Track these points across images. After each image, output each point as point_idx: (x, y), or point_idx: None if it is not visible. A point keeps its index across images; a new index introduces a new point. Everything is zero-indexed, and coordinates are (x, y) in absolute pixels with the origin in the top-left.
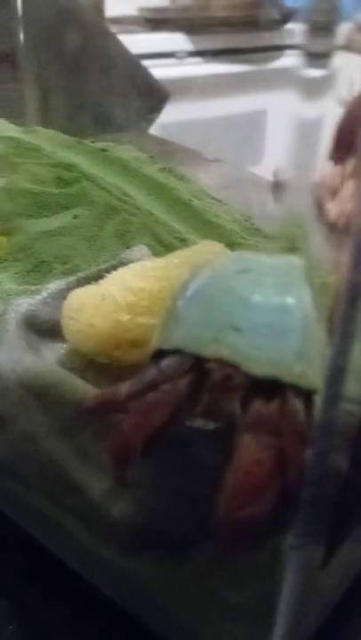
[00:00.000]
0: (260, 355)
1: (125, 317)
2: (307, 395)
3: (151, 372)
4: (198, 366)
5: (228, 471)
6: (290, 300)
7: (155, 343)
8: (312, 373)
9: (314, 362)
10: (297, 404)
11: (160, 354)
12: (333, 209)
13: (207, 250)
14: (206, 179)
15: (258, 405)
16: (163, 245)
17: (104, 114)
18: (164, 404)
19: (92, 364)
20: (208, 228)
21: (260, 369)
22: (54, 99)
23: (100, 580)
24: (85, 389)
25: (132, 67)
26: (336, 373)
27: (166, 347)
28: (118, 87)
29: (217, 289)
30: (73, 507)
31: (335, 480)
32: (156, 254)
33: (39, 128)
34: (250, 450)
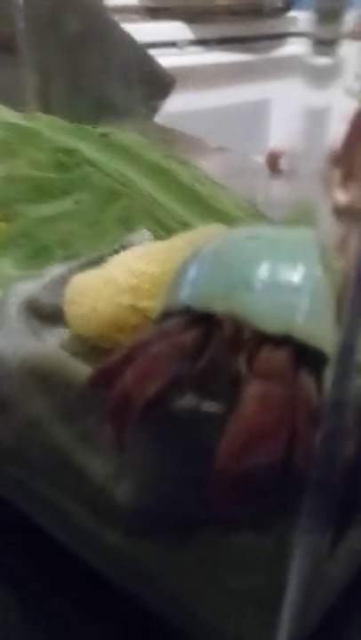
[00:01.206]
0: (271, 312)
1: (128, 301)
2: (316, 357)
3: (152, 331)
4: (205, 323)
5: (230, 420)
6: (301, 264)
7: (159, 309)
8: (322, 336)
9: (324, 326)
10: (306, 361)
11: (164, 318)
12: (343, 194)
13: (210, 232)
14: (210, 167)
15: (266, 354)
16: (165, 230)
17: (106, 101)
18: (166, 356)
19: (94, 348)
20: (211, 213)
21: (270, 325)
22: (55, 85)
23: (103, 565)
24: (89, 373)
25: (136, 53)
26: (346, 353)
27: (173, 306)
28: (121, 74)
29: (228, 251)
30: (76, 491)
31: (344, 462)
32: (159, 239)
33: (39, 114)
34: (255, 398)
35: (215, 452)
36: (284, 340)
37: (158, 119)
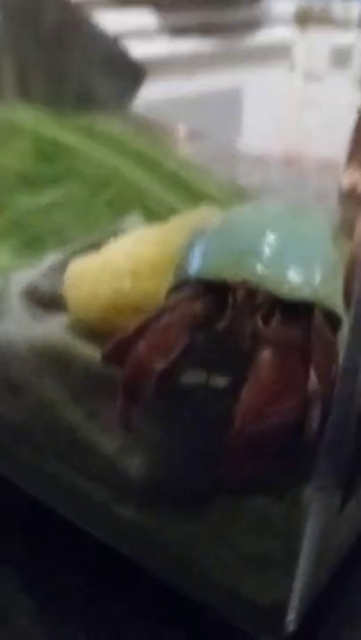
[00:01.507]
0: (283, 276)
1: (127, 283)
2: (331, 319)
3: (163, 304)
4: (215, 292)
5: (245, 384)
6: (310, 231)
7: (171, 283)
8: (336, 299)
9: (337, 291)
10: (322, 322)
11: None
12: (348, 178)
13: (204, 214)
14: (187, 153)
15: (282, 317)
16: (154, 216)
17: (83, 90)
18: (178, 326)
19: (95, 332)
20: (197, 197)
21: (283, 289)
22: (32, 75)
23: (116, 540)
24: (95, 355)
25: (108, 45)
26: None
27: (183, 280)
28: (96, 64)
29: (235, 223)
30: (88, 468)
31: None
32: (148, 224)
33: (18, 104)
34: (271, 360)
35: (230, 418)
36: (298, 303)
37: (132, 107)
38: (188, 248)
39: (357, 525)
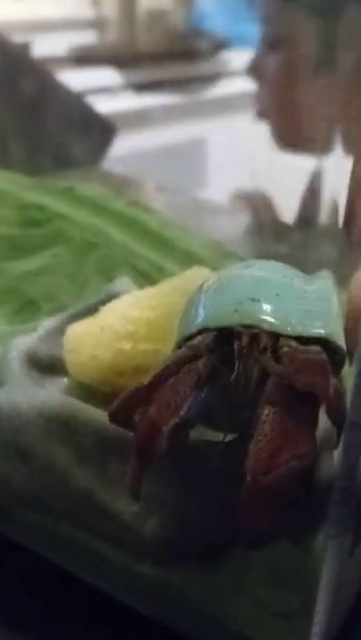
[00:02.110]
0: (282, 317)
1: (127, 345)
2: (337, 358)
3: (170, 360)
4: (221, 341)
5: (256, 431)
6: (299, 278)
7: (175, 341)
8: (339, 335)
9: (338, 329)
10: (326, 358)
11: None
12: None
13: (196, 275)
14: (157, 207)
15: (300, 356)
16: (142, 276)
17: (59, 152)
18: (187, 382)
19: (95, 394)
20: (181, 255)
21: (285, 329)
22: (10, 141)
23: (133, 598)
24: (104, 417)
25: (81, 104)
26: None
27: (187, 334)
28: (70, 125)
29: (230, 278)
30: (104, 532)
31: None
32: (138, 285)
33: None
34: (277, 409)
35: (241, 472)
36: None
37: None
38: (189, 306)
39: None
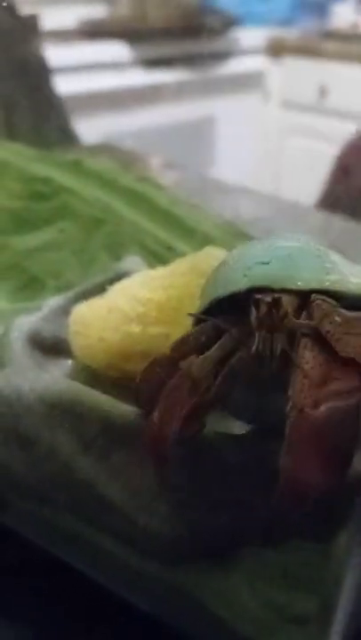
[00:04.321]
0: (292, 274)
1: (136, 329)
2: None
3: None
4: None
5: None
6: (308, 243)
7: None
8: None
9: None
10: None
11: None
12: None
13: (211, 255)
14: (171, 185)
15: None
16: (151, 254)
17: (65, 125)
18: (180, 387)
19: (99, 378)
20: (191, 234)
21: (297, 283)
22: (17, 112)
23: (138, 597)
24: (110, 403)
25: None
26: None
27: (204, 305)
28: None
29: (241, 251)
30: (107, 525)
31: None
32: (148, 264)
33: (4, 142)
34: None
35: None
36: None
37: (105, 139)
38: (206, 283)
39: None
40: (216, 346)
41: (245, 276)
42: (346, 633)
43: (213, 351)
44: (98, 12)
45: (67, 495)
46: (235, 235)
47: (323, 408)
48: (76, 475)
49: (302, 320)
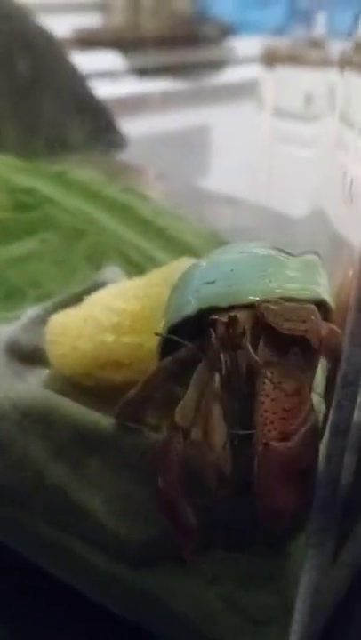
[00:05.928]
0: (238, 289)
1: (110, 338)
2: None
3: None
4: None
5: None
6: (251, 252)
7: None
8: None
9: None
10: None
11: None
12: None
13: (185, 265)
14: (155, 195)
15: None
16: (132, 265)
17: (55, 135)
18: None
19: (75, 387)
20: (174, 245)
21: (248, 298)
22: (4, 122)
23: (110, 601)
24: (81, 412)
25: (81, 86)
26: (348, 384)
27: (164, 332)
28: (68, 107)
29: (188, 272)
30: (79, 530)
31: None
32: (127, 274)
33: None
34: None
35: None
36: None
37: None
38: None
39: (351, 571)
40: (192, 381)
41: (194, 298)
42: (305, 634)
43: (191, 392)
44: (92, 21)
45: (38, 500)
46: (218, 245)
47: (289, 443)
48: (48, 480)
49: (254, 354)
